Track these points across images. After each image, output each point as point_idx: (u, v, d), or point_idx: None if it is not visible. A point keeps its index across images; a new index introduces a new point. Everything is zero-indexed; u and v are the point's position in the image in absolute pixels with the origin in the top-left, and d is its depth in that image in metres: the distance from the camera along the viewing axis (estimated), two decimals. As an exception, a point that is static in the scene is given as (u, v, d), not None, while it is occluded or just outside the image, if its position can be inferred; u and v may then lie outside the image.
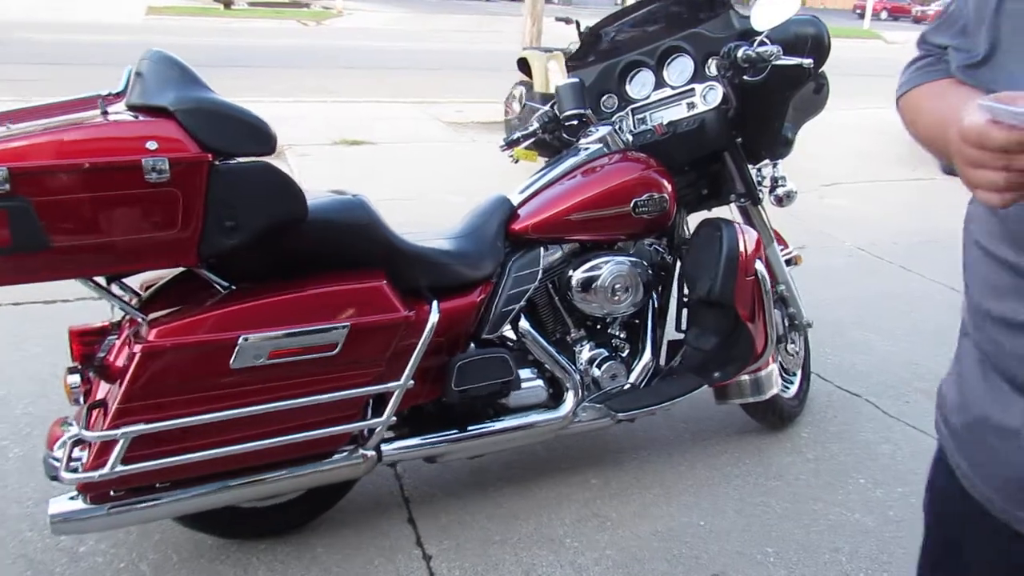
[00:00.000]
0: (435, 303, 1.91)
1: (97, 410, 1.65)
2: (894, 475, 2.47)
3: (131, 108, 1.60)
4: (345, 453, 1.90)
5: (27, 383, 2.74)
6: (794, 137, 2.40)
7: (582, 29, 2.61)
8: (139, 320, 1.68)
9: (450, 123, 8.01)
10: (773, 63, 2.07)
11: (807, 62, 2.09)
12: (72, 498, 1.70)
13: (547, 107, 2.41)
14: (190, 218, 1.55)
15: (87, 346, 1.78)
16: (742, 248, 2.22)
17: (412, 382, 1.87)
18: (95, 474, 1.59)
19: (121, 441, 1.59)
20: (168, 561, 1.98)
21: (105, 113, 1.55)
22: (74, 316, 3.40)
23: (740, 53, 2.11)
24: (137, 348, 1.58)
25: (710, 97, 2.29)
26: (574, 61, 2.54)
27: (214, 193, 1.55)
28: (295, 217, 1.69)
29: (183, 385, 1.63)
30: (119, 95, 1.63)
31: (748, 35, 2.22)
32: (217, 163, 1.55)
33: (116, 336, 1.78)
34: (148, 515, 1.76)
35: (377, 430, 1.88)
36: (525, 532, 2.16)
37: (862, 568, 2.07)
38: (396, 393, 1.86)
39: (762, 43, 2.11)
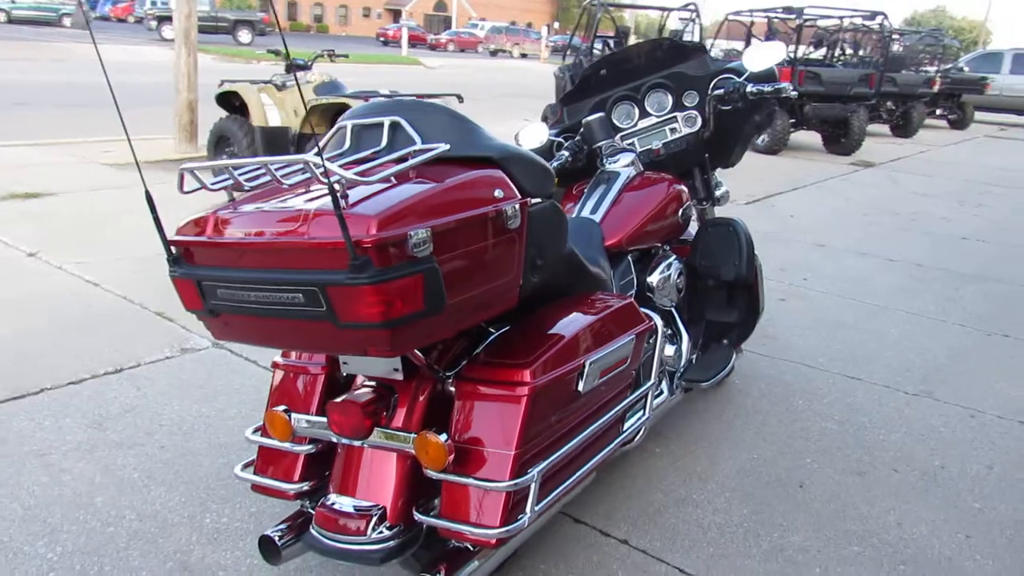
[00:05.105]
0: (654, 312, 2.18)
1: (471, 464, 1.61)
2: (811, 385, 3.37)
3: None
4: None
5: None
6: (743, 152, 3.10)
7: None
8: (440, 377, 1.69)
9: (112, 165, 7.18)
10: (783, 96, 2.72)
11: (794, 93, 2.80)
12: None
13: (570, 139, 2.74)
14: (521, 261, 1.64)
15: (372, 416, 1.68)
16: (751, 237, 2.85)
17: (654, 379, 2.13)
18: (524, 520, 1.57)
19: (535, 483, 1.60)
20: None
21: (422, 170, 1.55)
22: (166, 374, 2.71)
23: (752, 88, 2.72)
24: (523, 391, 1.61)
25: (690, 123, 2.87)
26: (569, 98, 2.89)
27: (530, 235, 1.66)
28: (564, 250, 1.85)
29: (550, 416, 1.69)
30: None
31: (720, 73, 2.86)
32: (530, 206, 1.67)
33: (397, 396, 1.72)
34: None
35: (643, 429, 2.08)
36: (661, 501, 2.50)
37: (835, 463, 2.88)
38: (651, 392, 2.09)
39: (762, 80, 2.75)
